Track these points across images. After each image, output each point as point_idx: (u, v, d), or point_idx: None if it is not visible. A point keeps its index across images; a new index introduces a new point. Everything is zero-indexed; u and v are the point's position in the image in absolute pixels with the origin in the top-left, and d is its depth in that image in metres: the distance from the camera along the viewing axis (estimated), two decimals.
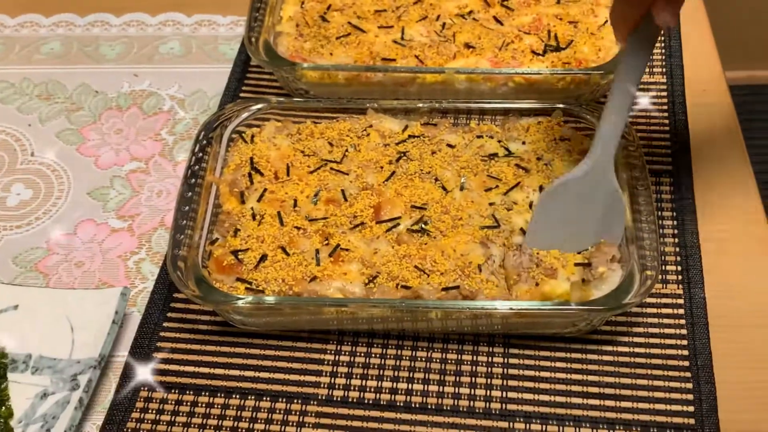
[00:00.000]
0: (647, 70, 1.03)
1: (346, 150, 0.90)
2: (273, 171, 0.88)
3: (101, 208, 0.96)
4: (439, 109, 0.92)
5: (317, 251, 0.80)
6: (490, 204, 0.84)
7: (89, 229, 0.94)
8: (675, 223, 0.88)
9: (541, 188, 0.85)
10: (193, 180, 0.86)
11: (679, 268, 0.85)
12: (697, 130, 0.97)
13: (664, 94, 1.01)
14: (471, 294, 0.76)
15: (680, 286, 0.84)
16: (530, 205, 0.83)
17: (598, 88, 0.96)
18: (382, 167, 0.88)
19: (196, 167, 0.87)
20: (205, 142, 0.89)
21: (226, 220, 0.84)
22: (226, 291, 0.78)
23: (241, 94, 1.05)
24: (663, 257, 0.83)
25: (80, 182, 0.99)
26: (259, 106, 0.93)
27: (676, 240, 0.87)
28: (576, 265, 0.78)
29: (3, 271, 0.90)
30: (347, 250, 0.80)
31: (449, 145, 0.90)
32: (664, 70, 1.03)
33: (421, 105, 0.92)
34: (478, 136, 0.90)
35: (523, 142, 0.89)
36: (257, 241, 0.82)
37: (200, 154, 0.88)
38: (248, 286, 0.79)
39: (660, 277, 0.83)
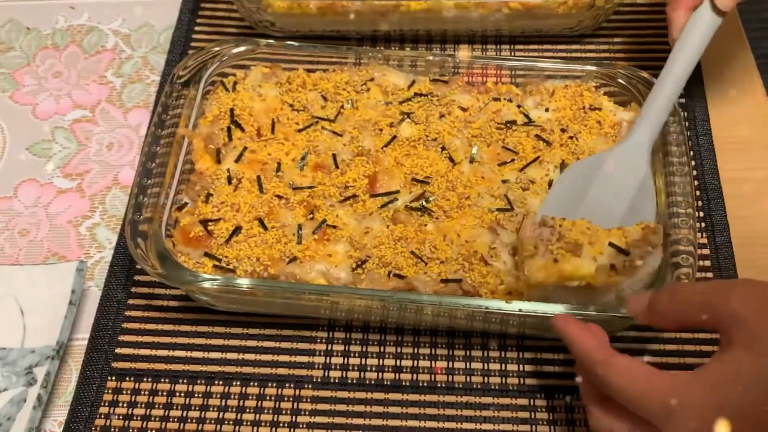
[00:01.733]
0: None
1: (342, 106, 0.78)
2: (256, 127, 0.76)
3: (44, 166, 0.84)
4: (453, 64, 0.80)
5: (300, 226, 0.70)
6: (504, 181, 0.73)
7: (32, 191, 0.82)
8: (694, 163, 0.80)
9: (563, 165, 0.74)
10: (161, 131, 0.74)
11: (702, 214, 0.77)
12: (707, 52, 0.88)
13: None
14: (473, 289, 0.66)
15: (704, 234, 0.76)
16: (549, 185, 0.73)
17: (601, 12, 0.86)
18: (381, 130, 0.76)
19: (166, 116, 0.75)
20: (179, 86, 0.77)
21: (197, 181, 0.73)
22: (191, 268, 0.68)
23: (196, 28, 0.93)
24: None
25: (17, 136, 0.86)
26: (245, 47, 0.80)
27: (696, 182, 0.79)
28: (610, 245, 0.65)
29: None
30: (334, 227, 0.70)
31: (461, 108, 0.78)
32: None
33: (431, 57, 0.80)
34: (495, 99, 0.78)
35: (547, 109, 0.78)
36: (231, 210, 0.71)
37: (172, 100, 0.76)
38: (217, 263, 0.68)
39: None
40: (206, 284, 0.66)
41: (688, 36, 0.73)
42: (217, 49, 0.80)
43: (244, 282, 0.66)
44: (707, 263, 0.74)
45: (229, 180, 0.73)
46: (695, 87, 0.85)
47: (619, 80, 0.78)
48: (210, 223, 0.70)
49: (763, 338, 0.50)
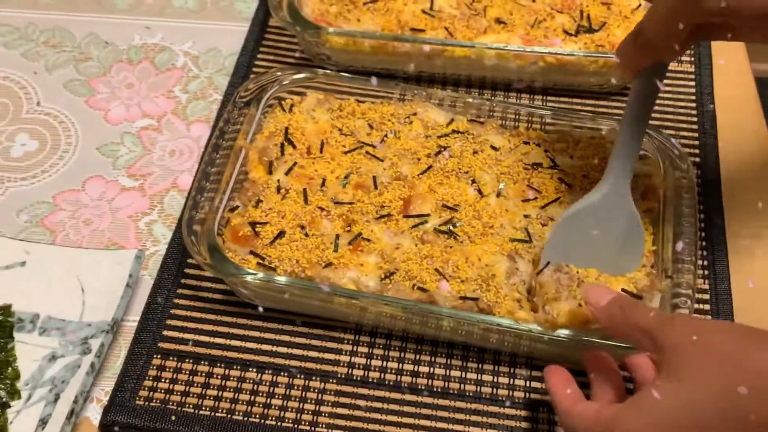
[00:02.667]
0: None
1: (386, 135, 0.86)
2: (306, 145, 0.84)
3: (111, 165, 0.92)
4: (489, 107, 0.88)
5: (337, 236, 0.77)
6: (525, 216, 0.80)
7: (98, 186, 0.91)
8: (702, 225, 0.86)
9: None
10: (222, 141, 0.83)
11: (706, 262, 0.83)
12: (724, 122, 0.95)
13: (692, 83, 0.99)
14: (488, 308, 0.73)
15: (706, 281, 0.82)
16: None
17: None
18: (419, 159, 0.84)
19: (227, 128, 0.84)
20: (241, 104, 0.86)
21: (250, 188, 0.81)
22: (237, 263, 0.75)
23: (259, 56, 1.02)
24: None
25: (89, 136, 0.95)
26: (304, 75, 0.89)
27: (703, 243, 0.85)
28: (623, 291, 0.72)
29: (7, 224, 0.87)
30: (368, 240, 0.77)
31: (493, 147, 0.85)
32: (692, 59, 1.01)
33: (471, 100, 0.88)
34: (525, 142, 0.86)
35: (571, 156, 0.85)
36: (278, 216, 0.78)
37: (234, 116, 0.85)
38: (260, 261, 0.76)
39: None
40: (248, 278, 0.74)
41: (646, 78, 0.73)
42: (279, 73, 0.88)
43: (282, 279, 0.74)
44: (707, 307, 0.81)
45: (278, 190, 0.80)
46: (710, 147, 0.93)
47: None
48: (258, 226, 0.78)
49: (693, 372, 0.55)
